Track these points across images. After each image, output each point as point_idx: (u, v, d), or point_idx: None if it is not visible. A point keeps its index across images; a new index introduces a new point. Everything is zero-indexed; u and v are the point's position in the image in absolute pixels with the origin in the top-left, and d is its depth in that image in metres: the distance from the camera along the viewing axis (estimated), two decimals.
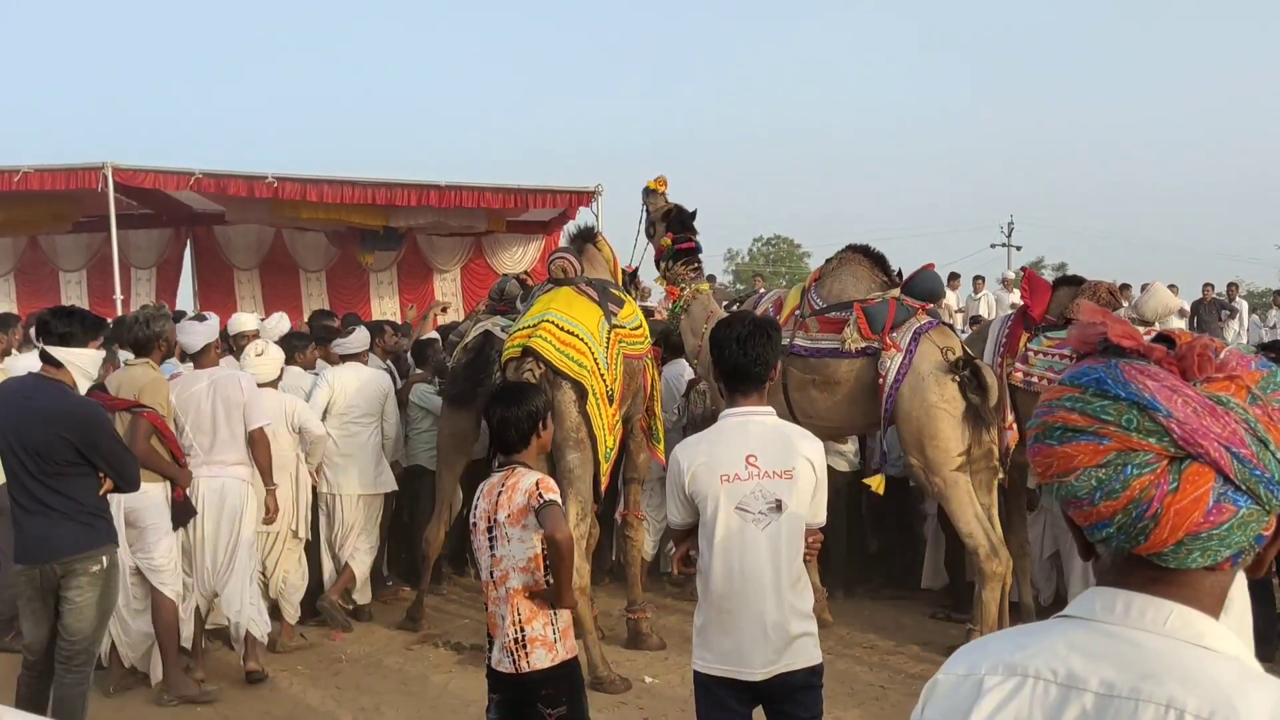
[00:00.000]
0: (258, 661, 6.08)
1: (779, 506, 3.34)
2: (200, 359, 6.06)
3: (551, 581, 3.68)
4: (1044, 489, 7.05)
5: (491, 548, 3.72)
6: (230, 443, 5.93)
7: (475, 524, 3.80)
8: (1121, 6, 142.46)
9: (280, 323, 8.48)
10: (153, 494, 5.43)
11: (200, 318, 6.44)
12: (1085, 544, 1.19)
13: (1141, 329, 5.97)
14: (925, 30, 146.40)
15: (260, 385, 6.28)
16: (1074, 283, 6.66)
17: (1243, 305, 18.44)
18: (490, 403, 3.91)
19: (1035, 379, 6.24)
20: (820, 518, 3.54)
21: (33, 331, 6.14)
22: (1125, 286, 15.83)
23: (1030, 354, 6.33)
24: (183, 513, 5.69)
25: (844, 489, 7.34)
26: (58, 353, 4.54)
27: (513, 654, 3.68)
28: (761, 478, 3.34)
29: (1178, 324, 13.98)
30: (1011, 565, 6.06)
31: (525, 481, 3.68)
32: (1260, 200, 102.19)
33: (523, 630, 3.67)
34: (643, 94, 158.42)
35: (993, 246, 49.29)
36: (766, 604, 3.34)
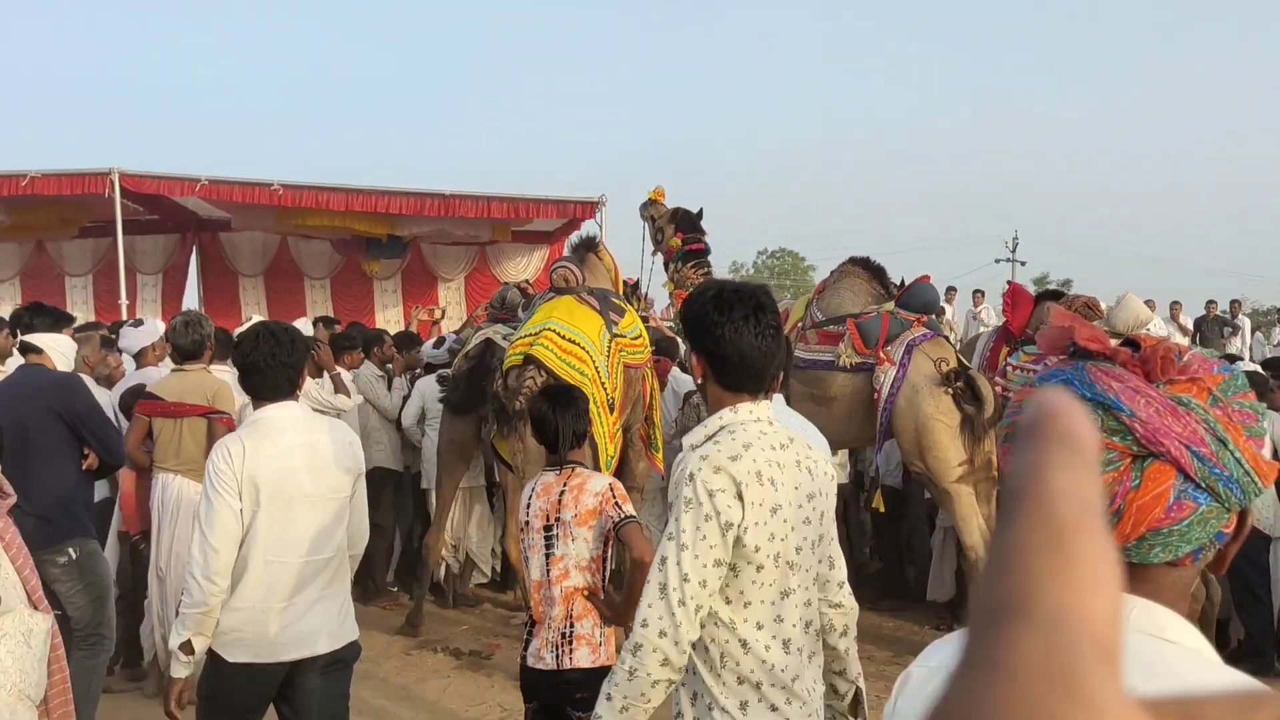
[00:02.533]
0: None
1: None
2: (140, 361, 6.31)
3: (614, 593, 3.69)
4: None
5: (549, 546, 3.70)
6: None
7: (529, 523, 3.76)
8: (1130, 23, 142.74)
9: (303, 328, 8.57)
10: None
11: (138, 322, 6.69)
12: None
13: (1114, 341, 6.03)
14: (932, 44, 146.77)
15: None
16: (1054, 297, 6.69)
17: (1245, 322, 18.45)
18: (547, 403, 3.91)
19: (1012, 394, 6.25)
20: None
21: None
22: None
23: (1009, 368, 6.32)
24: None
25: (837, 499, 7.35)
26: (36, 339, 4.74)
27: (557, 648, 3.66)
28: None
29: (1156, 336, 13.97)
30: None
31: (595, 484, 3.69)
32: (1267, 218, 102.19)
33: (572, 626, 3.66)
34: (648, 105, 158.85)
35: (997, 261, 49.32)
36: None
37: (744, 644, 2.40)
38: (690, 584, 2.30)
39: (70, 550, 4.61)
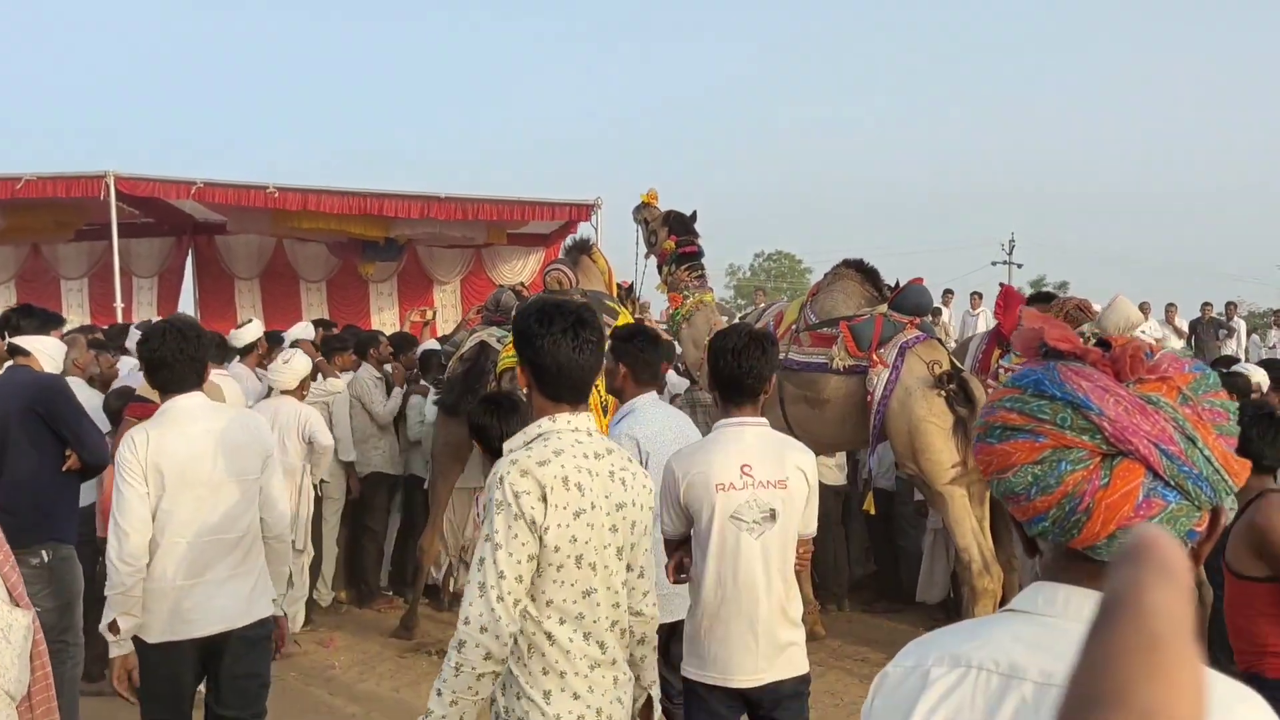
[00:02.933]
0: None
1: (773, 516, 3.37)
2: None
3: None
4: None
5: None
6: None
7: None
8: (1128, 26, 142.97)
9: (305, 330, 8.58)
10: None
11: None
12: (1027, 540, 1.23)
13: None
14: (929, 46, 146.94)
15: (282, 393, 6.44)
16: (1045, 299, 6.69)
17: (1240, 325, 18.45)
18: (481, 412, 3.95)
19: (990, 388, 6.26)
20: (811, 528, 3.60)
21: None
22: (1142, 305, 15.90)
23: (1000, 371, 6.33)
24: None
25: (832, 501, 7.37)
26: (23, 341, 4.75)
27: None
28: (756, 488, 3.37)
29: (1148, 338, 14.01)
30: (1003, 580, 6.08)
31: None
32: (1263, 220, 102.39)
33: None
34: (644, 107, 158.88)
35: (993, 264, 49.38)
36: (759, 612, 3.38)
37: (549, 637, 2.56)
38: (506, 580, 2.47)
39: (43, 553, 4.59)
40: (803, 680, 3.51)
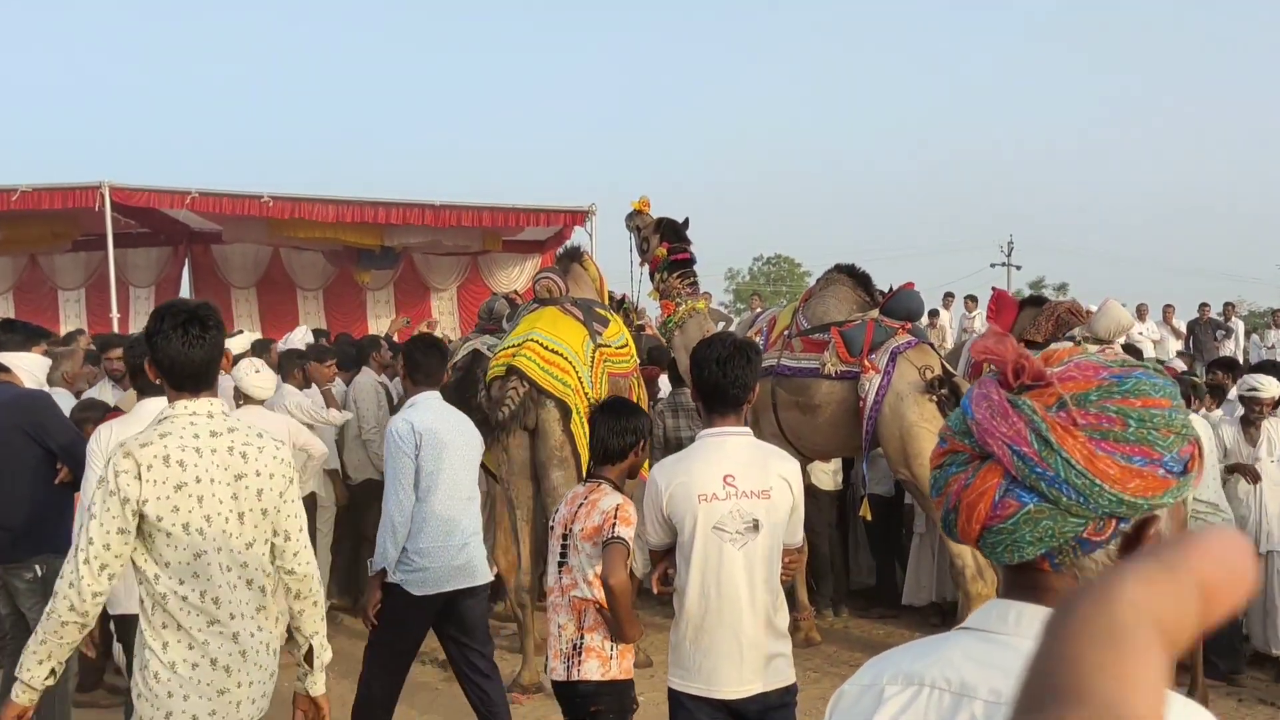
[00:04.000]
0: None
1: (756, 526, 3.36)
2: None
3: (609, 612, 3.72)
4: None
5: (563, 555, 3.79)
6: None
7: (552, 529, 3.88)
8: (1126, 26, 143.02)
9: (305, 336, 8.56)
10: None
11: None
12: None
13: (1095, 347, 6.02)
14: (926, 49, 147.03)
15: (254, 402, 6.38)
16: (1038, 303, 6.67)
17: (1239, 325, 18.45)
18: (597, 412, 3.95)
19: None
20: (797, 538, 3.58)
21: None
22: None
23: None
24: None
25: (828, 506, 7.36)
26: (4, 358, 4.75)
27: (567, 660, 3.74)
28: (739, 498, 3.35)
29: (1145, 343, 13.98)
30: (996, 584, 6.07)
31: (606, 502, 3.72)
32: (1262, 220, 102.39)
33: (582, 638, 3.73)
34: (640, 112, 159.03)
35: (992, 266, 49.44)
36: (743, 623, 3.36)
37: (167, 594, 2.89)
38: (94, 546, 2.80)
39: (37, 567, 4.60)
40: (789, 691, 3.49)
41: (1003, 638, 1.14)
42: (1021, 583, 1.17)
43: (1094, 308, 6.53)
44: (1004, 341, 1.19)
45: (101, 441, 4.10)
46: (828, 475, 7.56)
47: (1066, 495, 1.10)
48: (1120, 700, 0.24)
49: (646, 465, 6.66)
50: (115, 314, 13.82)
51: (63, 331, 12.01)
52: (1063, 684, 0.24)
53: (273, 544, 3.11)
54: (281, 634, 3.31)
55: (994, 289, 7.19)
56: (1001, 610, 1.16)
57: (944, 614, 7.39)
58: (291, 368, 7.42)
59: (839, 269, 6.73)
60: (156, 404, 3.92)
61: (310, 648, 3.35)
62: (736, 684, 3.38)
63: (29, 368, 4.79)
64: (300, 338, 8.47)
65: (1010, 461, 1.12)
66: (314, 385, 7.58)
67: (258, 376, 6.59)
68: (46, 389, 5.17)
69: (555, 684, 3.82)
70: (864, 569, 8.32)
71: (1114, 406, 1.11)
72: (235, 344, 7.69)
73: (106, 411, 5.79)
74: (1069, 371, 1.15)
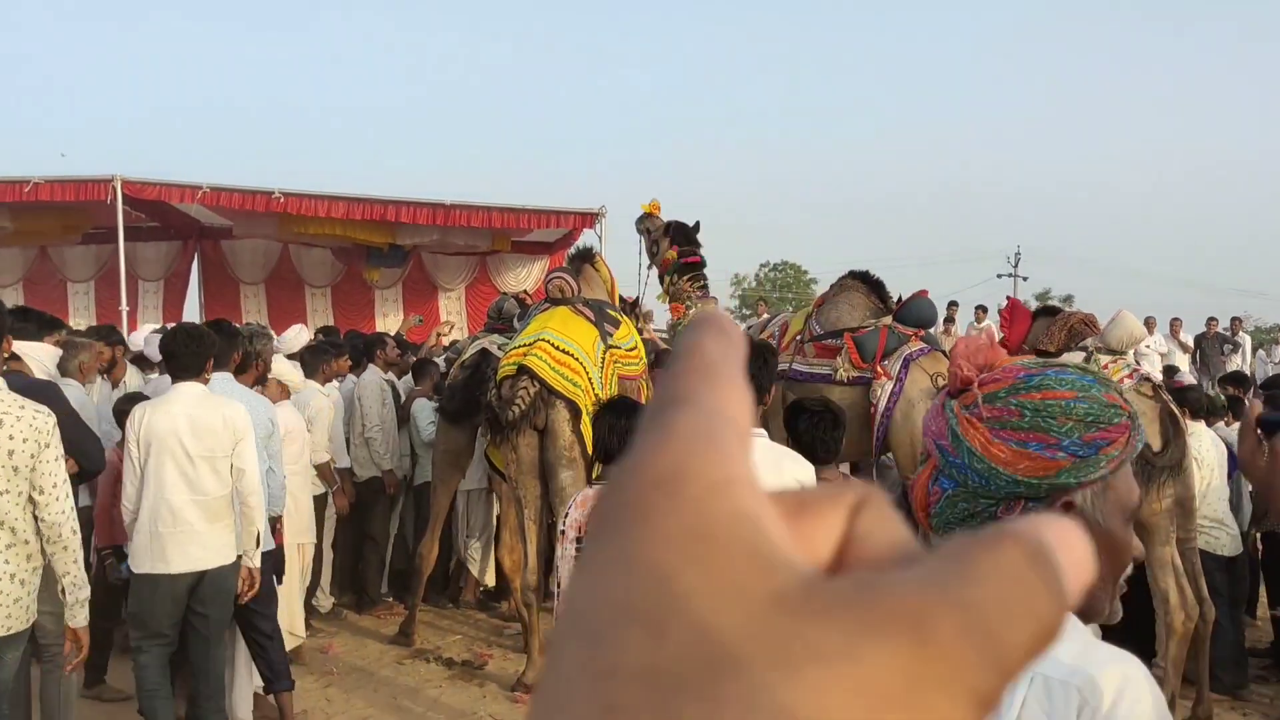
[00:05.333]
0: None
1: None
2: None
3: None
4: None
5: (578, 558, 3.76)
6: None
7: (564, 532, 3.83)
8: (1135, 38, 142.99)
9: (299, 335, 8.54)
10: None
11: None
12: None
13: (1107, 358, 6.02)
14: (937, 58, 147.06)
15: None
16: (1051, 313, 6.65)
17: (1246, 340, 18.43)
18: (602, 411, 3.96)
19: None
20: None
21: None
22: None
23: None
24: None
25: None
26: (19, 347, 4.74)
27: None
28: None
29: (1152, 356, 13.98)
30: None
31: None
32: (1270, 235, 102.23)
33: None
34: (649, 116, 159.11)
35: (999, 276, 49.37)
36: None
37: None
38: None
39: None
40: None
41: None
42: None
43: (1104, 321, 6.52)
44: (967, 353, 1.37)
45: (133, 423, 4.65)
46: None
47: (971, 480, 1.29)
48: (720, 404, 0.29)
49: None
50: (124, 307, 13.83)
51: (71, 324, 12.05)
52: (677, 396, 0.30)
53: (32, 496, 3.79)
54: (37, 568, 3.98)
55: (1009, 298, 7.19)
56: None
57: None
58: (318, 364, 7.37)
59: (853, 275, 6.73)
60: (187, 388, 4.65)
61: (64, 585, 4.00)
62: None
63: (40, 358, 4.79)
64: (295, 336, 8.41)
65: (934, 453, 1.34)
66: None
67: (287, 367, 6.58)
68: (56, 379, 5.17)
69: None
70: None
71: (1015, 400, 1.28)
72: (287, 338, 7.74)
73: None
74: (994, 375, 1.35)
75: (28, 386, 4.67)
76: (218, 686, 4.90)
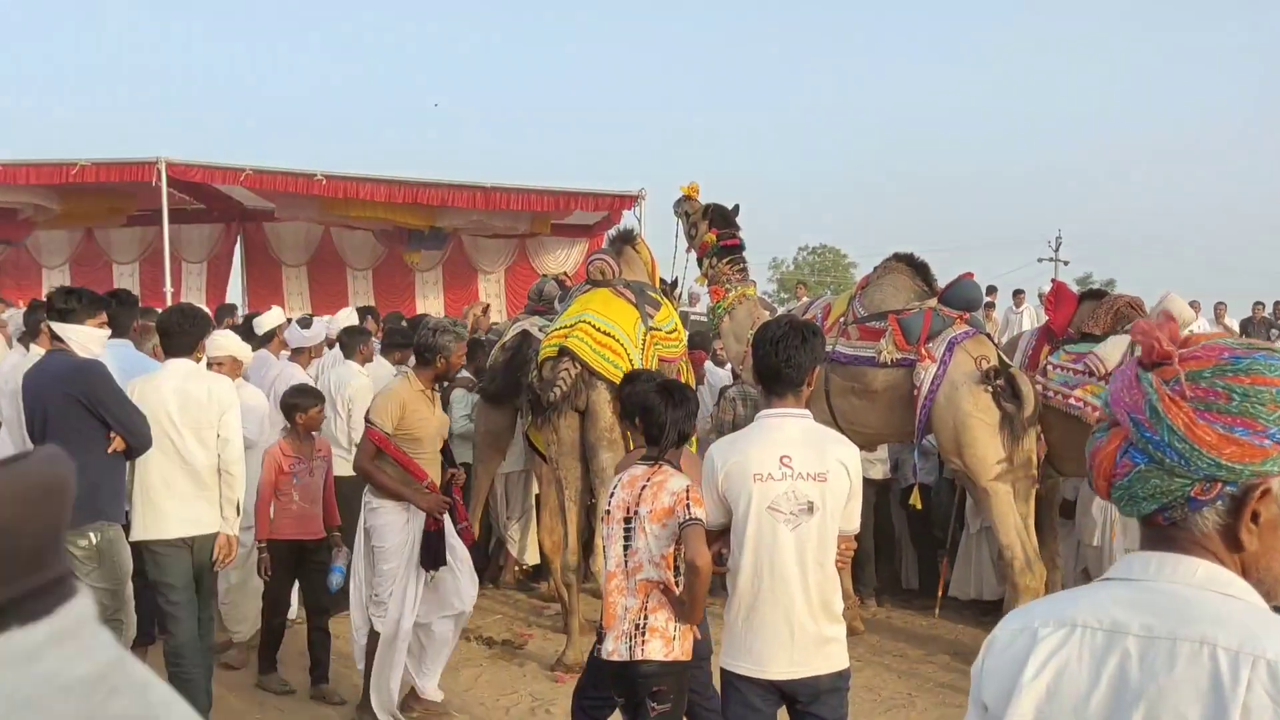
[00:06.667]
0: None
1: (811, 509, 3.33)
2: (295, 356, 7.20)
3: (682, 593, 3.71)
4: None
5: (627, 538, 3.76)
6: (277, 428, 6.39)
7: (609, 512, 3.83)
8: (1176, 20, 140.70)
9: (349, 316, 8.62)
10: (385, 511, 5.24)
11: (306, 322, 7.45)
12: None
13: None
14: (976, 41, 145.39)
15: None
16: (1097, 296, 6.59)
17: None
18: (654, 395, 3.92)
19: (1051, 393, 6.17)
20: (854, 524, 3.54)
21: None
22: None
23: (1049, 367, 6.24)
24: (431, 554, 5.23)
25: (873, 497, 7.34)
26: (59, 329, 4.78)
27: (630, 640, 3.71)
28: (795, 479, 3.33)
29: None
30: (1045, 578, 6.02)
31: (674, 484, 3.70)
32: None
33: (646, 619, 3.70)
34: (690, 101, 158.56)
35: (1040, 261, 48.80)
36: (795, 605, 3.34)
37: None
38: None
39: (92, 535, 4.64)
40: (841, 675, 3.47)
41: (1147, 583, 1.28)
42: (1152, 536, 1.32)
43: (1150, 305, 6.45)
44: (1157, 325, 1.32)
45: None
46: (880, 465, 7.54)
47: (1169, 458, 1.26)
48: None
49: (694, 449, 6.71)
50: (169, 288, 14.03)
51: None
52: None
53: None
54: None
55: (1053, 281, 7.14)
56: (1143, 561, 1.31)
57: (984, 610, 7.37)
58: (356, 345, 7.42)
59: (897, 257, 6.69)
60: (177, 365, 5.03)
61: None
62: (787, 665, 3.36)
63: (83, 341, 4.80)
64: (346, 317, 8.50)
65: (1127, 426, 1.30)
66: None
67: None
68: (102, 359, 5.20)
69: (612, 665, 3.78)
70: (908, 567, 8.25)
71: (1222, 383, 1.25)
72: (268, 320, 7.78)
73: (320, 399, 5.99)
74: (1195, 351, 1.29)
75: (77, 367, 4.72)
76: (194, 637, 5.11)
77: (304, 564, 5.85)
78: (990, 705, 1.34)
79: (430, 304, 17.22)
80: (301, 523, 5.79)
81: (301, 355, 7.54)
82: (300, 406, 5.81)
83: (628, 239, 7.21)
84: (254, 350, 7.18)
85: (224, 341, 6.01)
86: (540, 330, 6.80)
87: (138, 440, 4.76)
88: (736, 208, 7.47)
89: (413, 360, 5.50)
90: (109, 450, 4.70)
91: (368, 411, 5.32)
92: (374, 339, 8.11)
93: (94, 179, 13.45)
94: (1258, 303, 17.74)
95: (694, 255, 7.55)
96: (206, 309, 6.77)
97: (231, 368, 5.88)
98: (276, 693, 5.83)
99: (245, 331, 7.75)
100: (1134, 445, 1.29)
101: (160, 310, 6.67)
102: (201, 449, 4.98)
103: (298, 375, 6.92)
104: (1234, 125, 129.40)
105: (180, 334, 5.03)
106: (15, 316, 7.79)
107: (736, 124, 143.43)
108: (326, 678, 5.87)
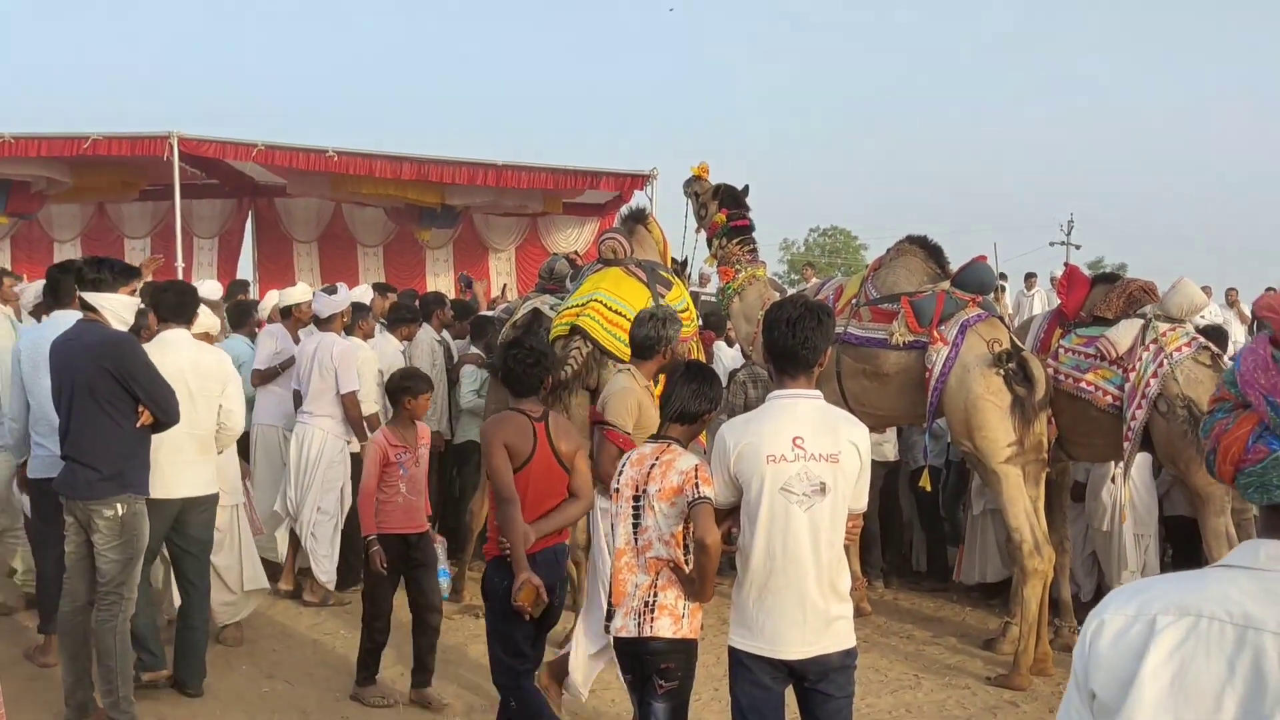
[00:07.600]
0: (312, 591, 7.09)
1: (823, 489, 3.34)
2: (325, 325, 7.10)
3: (692, 572, 3.71)
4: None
5: (636, 516, 3.76)
6: (319, 398, 6.91)
7: (618, 490, 3.82)
8: (1182, 4, 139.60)
9: (365, 293, 8.64)
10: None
11: (330, 289, 7.35)
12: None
13: (1165, 325, 5.92)
14: (989, 21, 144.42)
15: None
16: (1109, 280, 6.55)
17: None
18: (676, 376, 3.94)
19: (1063, 376, 6.16)
20: (862, 503, 3.57)
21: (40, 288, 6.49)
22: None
23: (1061, 350, 6.22)
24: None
25: (881, 480, 7.33)
26: (92, 298, 4.80)
27: (639, 617, 3.72)
28: (807, 460, 3.34)
29: (1205, 323, 13.71)
30: (1053, 561, 6.02)
31: (682, 463, 3.70)
32: None
33: (655, 596, 3.71)
34: (700, 79, 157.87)
35: (1051, 245, 48.60)
36: (807, 585, 3.36)
37: None
38: None
39: (118, 505, 4.68)
40: (849, 654, 3.49)
41: (1273, 574, 1.20)
42: (1276, 523, 1.24)
43: (1163, 289, 6.42)
44: (1267, 305, 1.27)
45: None
46: (890, 446, 7.54)
47: None
48: None
49: (704, 434, 6.71)
50: (180, 263, 14.04)
51: None
52: None
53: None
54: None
55: (1066, 265, 7.11)
56: (1269, 549, 1.22)
57: (990, 592, 7.38)
58: (356, 320, 7.45)
59: (911, 240, 6.66)
60: (175, 333, 5.27)
61: None
62: (800, 645, 3.38)
63: (116, 309, 4.83)
64: (360, 294, 8.53)
65: (1264, 411, 1.23)
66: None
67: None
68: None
69: (620, 641, 3.79)
70: (917, 549, 8.25)
71: None
72: (293, 295, 7.82)
73: (430, 385, 5.72)
74: None
75: (108, 338, 4.72)
76: (204, 595, 5.52)
77: (407, 559, 5.46)
78: (1100, 693, 1.26)
79: (441, 281, 17.24)
80: (408, 515, 5.42)
81: (333, 323, 7.19)
82: (412, 390, 5.46)
83: (639, 218, 7.20)
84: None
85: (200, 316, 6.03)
86: (552, 309, 6.80)
87: (167, 416, 4.79)
88: (746, 188, 7.45)
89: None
90: (137, 425, 4.72)
91: (603, 413, 4.91)
92: (373, 316, 8.09)
93: (106, 153, 13.46)
94: (1270, 288, 17.63)
95: (704, 236, 7.53)
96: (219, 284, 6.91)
97: (206, 341, 5.93)
98: (378, 707, 5.46)
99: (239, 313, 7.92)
100: (1271, 431, 1.22)
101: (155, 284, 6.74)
102: (210, 415, 5.31)
103: (338, 343, 7.00)
104: (1249, 110, 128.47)
105: (180, 306, 5.38)
106: (27, 290, 7.81)
107: (751, 103, 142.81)
108: (430, 681, 5.56)
